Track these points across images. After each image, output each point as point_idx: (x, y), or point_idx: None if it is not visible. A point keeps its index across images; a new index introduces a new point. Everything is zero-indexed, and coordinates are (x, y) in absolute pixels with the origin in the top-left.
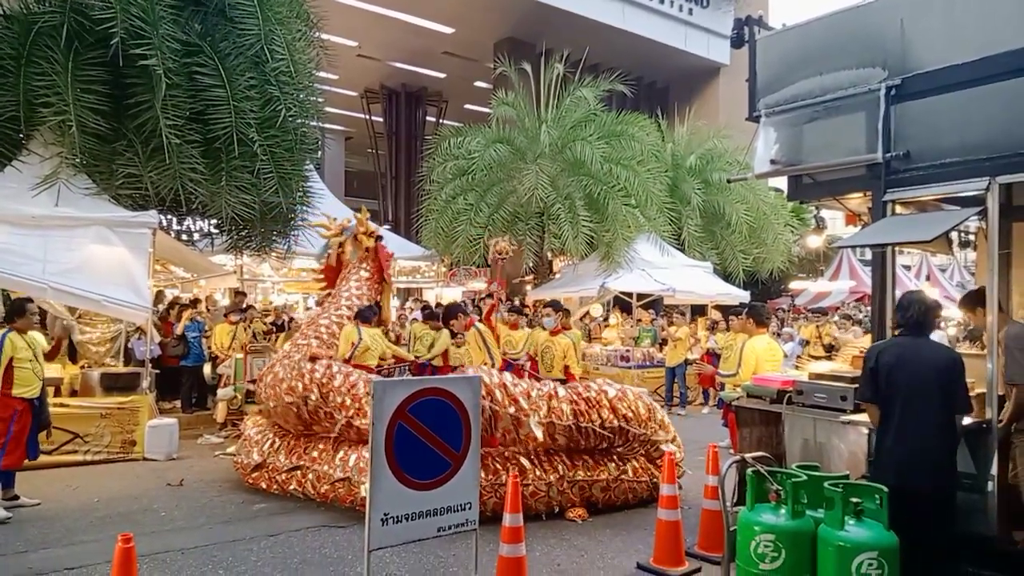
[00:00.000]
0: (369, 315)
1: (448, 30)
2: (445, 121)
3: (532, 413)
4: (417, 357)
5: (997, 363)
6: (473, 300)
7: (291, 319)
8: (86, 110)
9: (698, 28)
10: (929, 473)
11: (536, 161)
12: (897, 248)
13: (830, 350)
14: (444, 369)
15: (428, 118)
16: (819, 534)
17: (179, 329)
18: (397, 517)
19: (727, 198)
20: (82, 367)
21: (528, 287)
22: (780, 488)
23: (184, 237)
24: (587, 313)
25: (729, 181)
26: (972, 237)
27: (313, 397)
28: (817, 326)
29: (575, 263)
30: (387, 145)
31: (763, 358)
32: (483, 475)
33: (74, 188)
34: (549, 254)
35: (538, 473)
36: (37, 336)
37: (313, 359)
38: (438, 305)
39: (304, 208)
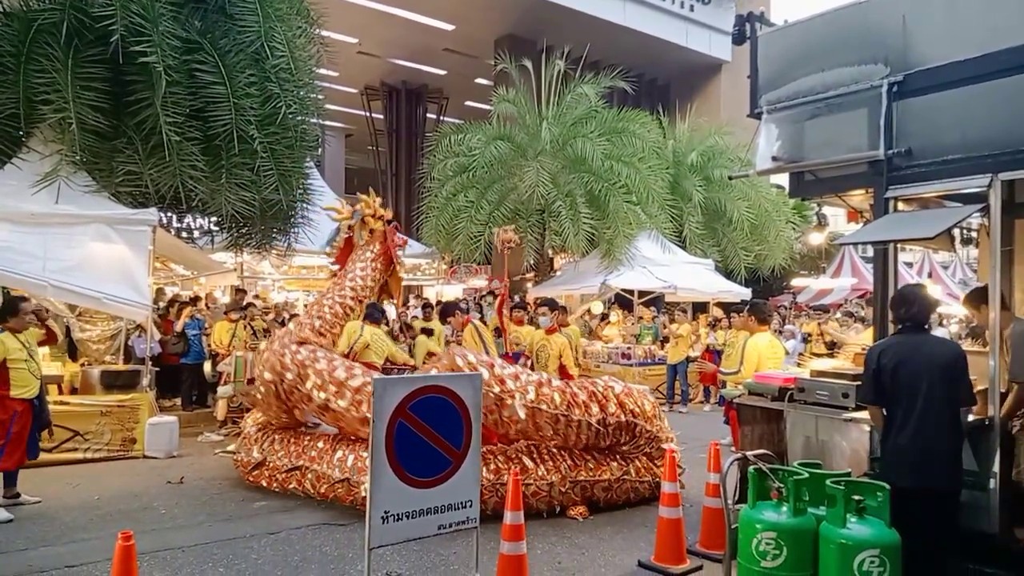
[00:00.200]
0: (377, 316)
1: (449, 27)
2: (446, 118)
3: (517, 394)
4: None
5: (1000, 360)
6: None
7: (292, 316)
8: (86, 107)
9: (699, 24)
10: (944, 471)
11: (537, 158)
12: (899, 245)
13: (832, 347)
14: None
15: (429, 115)
16: (821, 532)
17: (179, 326)
18: (398, 515)
19: (728, 195)
20: (82, 365)
21: (529, 284)
22: (782, 486)
23: (184, 234)
24: (588, 310)
25: (731, 178)
26: (974, 234)
27: (290, 376)
28: (818, 323)
29: (576, 260)
30: (387, 142)
31: (765, 355)
32: (485, 474)
33: (74, 185)
34: (550, 251)
35: (540, 472)
36: (29, 332)
37: (302, 343)
38: (438, 303)
39: (304, 205)
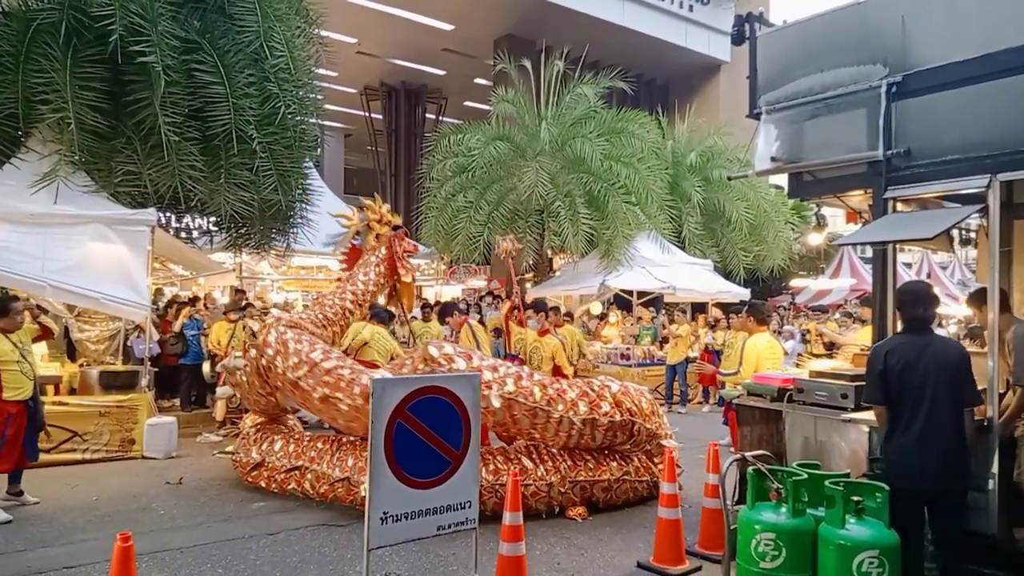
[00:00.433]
0: (384, 316)
1: (448, 27)
2: (445, 118)
3: (495, 385)
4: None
5: (999, 361)
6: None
7: None
8: (85, 107)
9: (698, 25)
10: (951, 472)
11: (536, 158)
12: (898, 246)
13: (831, 348)
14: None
15: (428, 115)
16: (820, 532)
17: (177, 326)
18: (397, 516)
19: (728, 195)
20: (81, 365)
21: (528, 285)
22: (781, 486)
23: (183, 235)
24: (587, 311)
25: (730, 178)
26: (973, 235)
27: (270, 352)
28: (815, 323)
29: (575, 261)
30: (387, 142)
31: (764, 356)
32: (484, 475)
33: (73, 186)
34: (549, 252)
35: (540, 473)
36: (24, 330)
37: (293, 327)
38: (437, 303)
39: (303, 206)
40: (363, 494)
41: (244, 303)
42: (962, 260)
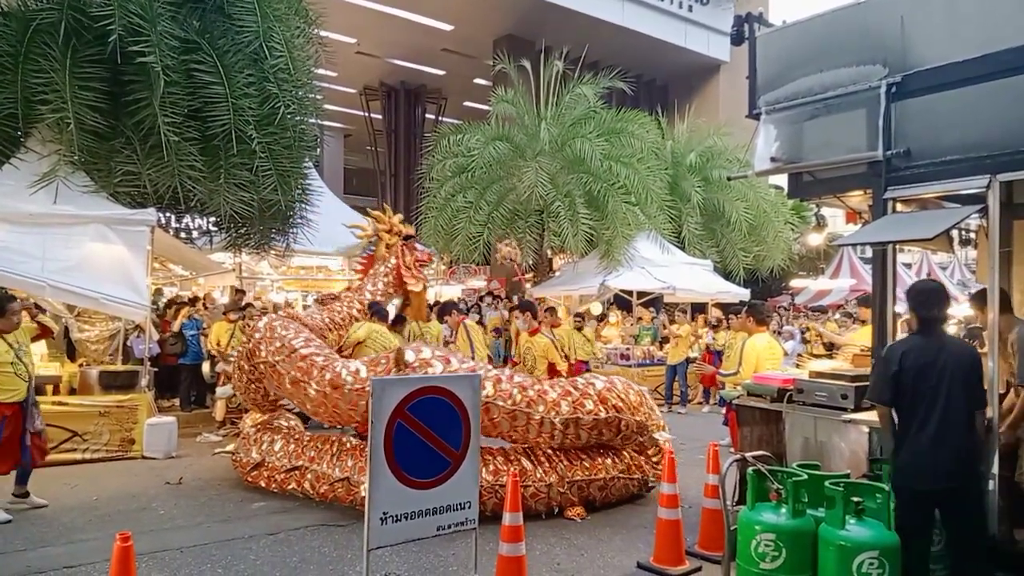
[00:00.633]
0: (383, 313)
1: (447, 27)
2: (444, 118)
3: (436, 363)
4: None
5: (1000, 362)
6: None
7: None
8: (84, 107)
9: (698, 25)
10: (968, 470)
11: (536, 158)
12: (898, 246)
13: (831, 348)
14: None
15: (427, 115)
16: (820, 533)
17: (176, 326)
18: (396, 516)
19: (727, 196)
20: (80, 365)
21: (528, 285)
22: (781, 487)
23: (183, 235)
24: (587, 311)
25: (729, 179)
26: (973, 235)
27: (256, 336)
28: (812, 324)
29: (575, 261)
30: (386, 142)
31: (763, 356)
32: (483, 475)
33: (72, 186)
34: (549, 252)
35: (539, 474)
36: (22, 331)
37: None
38: (436, 303)
39: (303, 206)
40: (363, 494)
41: (244, 303)
42: (962, 261)
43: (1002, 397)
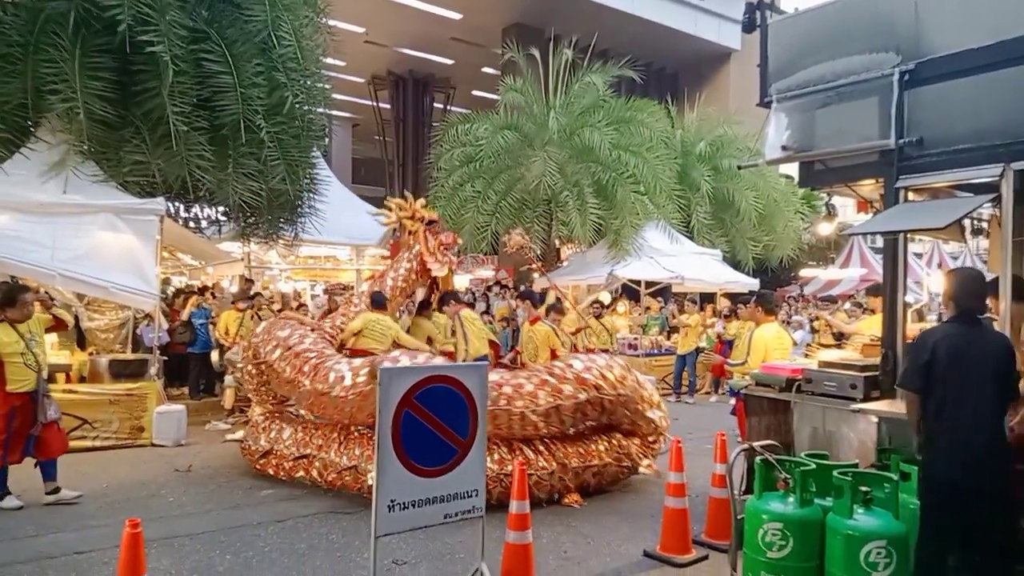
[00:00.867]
0: (380, 301)
1: (456, 16)
2: (453, 108)
3: None
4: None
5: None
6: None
7: (300, 305)
8: (93, 97)
9: (708, 13)
10: (1000, 466)
11: (544, 148)
12: (909, 235)
13: (840, 338)
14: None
15: (436, 105)
16: (827, 523)
17: (184, 315)
18: (404, 504)
19: (737, 185)
20: (90, 354)
21: (536, 275)
22: (788, 476)
23: (192, 224)
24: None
25: (739, 168)
26: (985, 224)
27: (256, 339)
28: (820, 314)
29: (583, 251)
30: (394, 132)
31: (772, 346)
32: (488, 464)
33: (82, 175)
34: (557, 241)
35: (541, 463)
36: (35, 321)
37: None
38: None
39: (311, 195)
40: (370, 482)
41: (252, 292)
42: (974, 250)
43: None
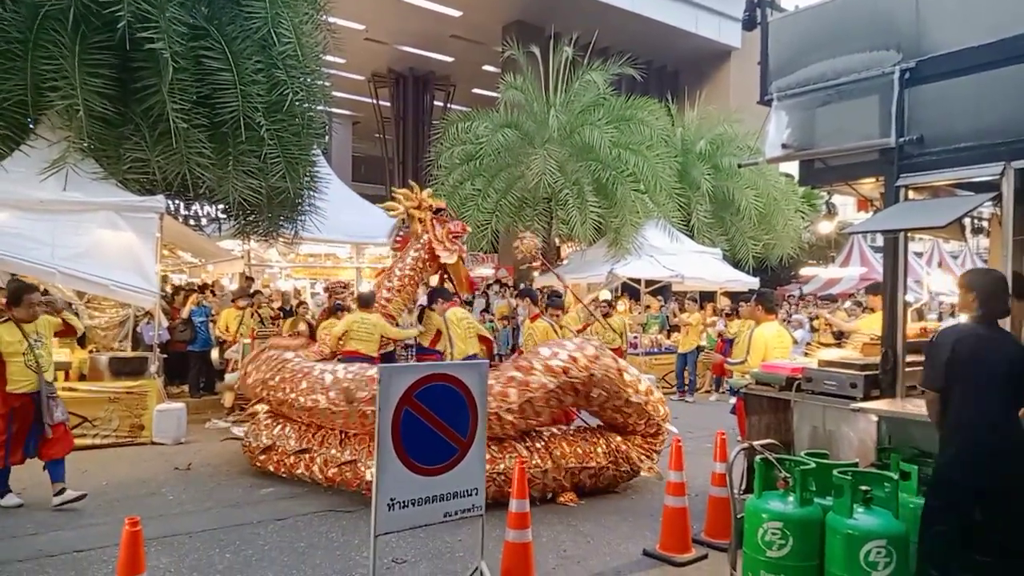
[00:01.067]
0: (368, 300)
1: (456, 13)
2: (453, 105)
3: None
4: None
5: None
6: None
7: (300, 303)
8: (93, 94)
9: (709, 10)
10: (1016, 469)
11: (544, 146)
12: (909, 234)
13: (840, 337)
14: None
15: (436, 102)
16: (827, 522)
17: (184, 313)
18: (403, 502)
19: (737, 183)
20: (90, 351)
21: (536, 273)
22: (788, 475)
23: (192, 222)
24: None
25: (740, 166)
26: (985, 223)
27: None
28: (826, 312)
29: (583, 249)
30: (394, 130)
31: (772, 345)
32: None
33: (82, 173)
34: (557, 240)
35: (535, 461)
36: (44, 322)
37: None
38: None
39: (311, 193)
40: (369, 477)
41: (252, 290)
42: (974, 249)
43: None
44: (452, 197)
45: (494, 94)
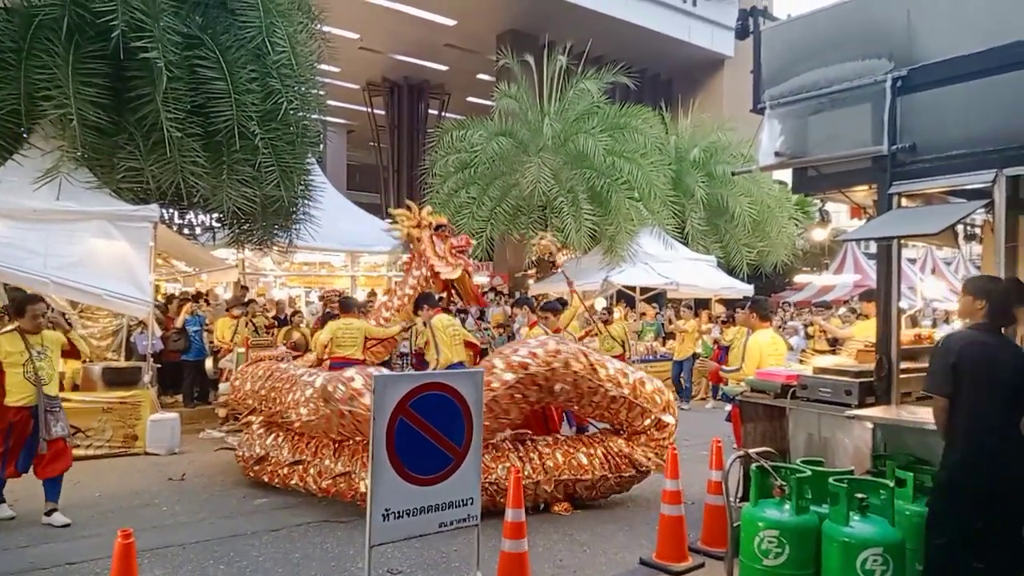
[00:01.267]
0: (350, 305)
1: (450, 22)
2: (447, 114)
3: (367, 392)
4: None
5: None
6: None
7: (295, 312)
8: (87, 103)
9: (702, 19)
10: (1017, 473)
11: (539, 154)
12: (903, 241)
13: (834, 344)
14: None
15: (430, 111)
16: (823, 530)
17: (179, 322)
18: (398, 512)
19: (731, 191)
20: (84, 362)
21: (531, 281)
22: (784, 483)
23: (186, 231)
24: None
25: (733, 174)
26: (978, 230)
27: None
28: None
29: (578, 257)
30: (389, 138)
31: (767, 352)
32: None
33: (75, 182)
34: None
35: (528, 471)
36: (50, 336)
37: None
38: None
39: (306, 202)
40: (363, 489)
41: (247, 299)
42: (967, 256)
43: None
44: (447, 205)
45: (489, 102)
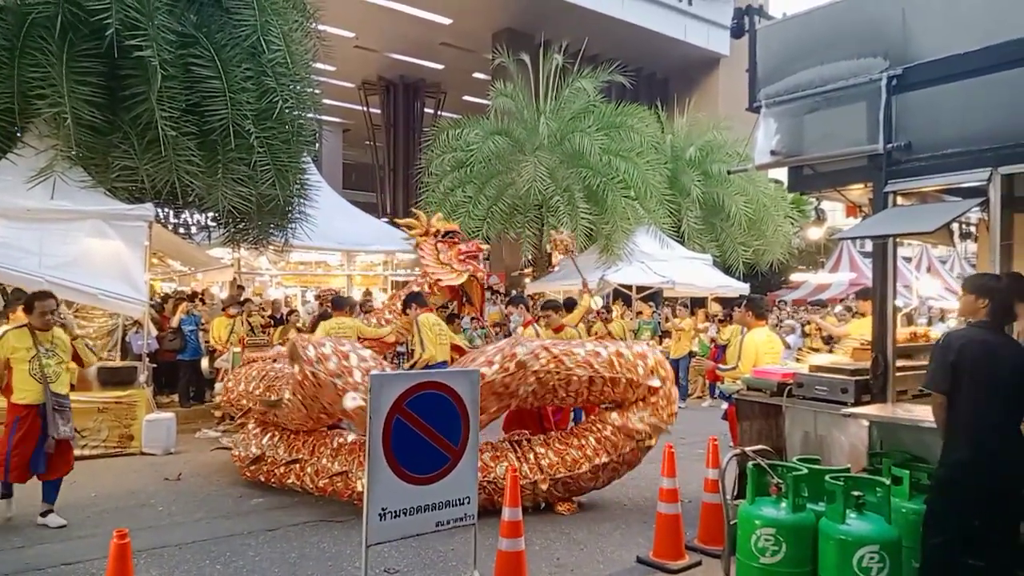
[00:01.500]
0: (342, 304)
1: (446, 21)
2: (443, 113)
3: (358, 389)
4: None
5: None
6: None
7: (291, 311)
8: (81, 102)
9: (698, 18)
10: (1017, 471)
11: (535, 153)
12: (898, 240)
13: (830, 342)
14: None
15: (426, 110)
16: (820, 527)
17: (174, 322)
18: (395, 512)
19: (727, 190)
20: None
21: (527, 280)
22: (781, 481)
23: (181, 230)
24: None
25: (729, 172)
26: (973, 228)
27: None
28: (816, 317)
29: (574, 255)
30: (385, 137)
31: (763, 350)
32: None
33: (70, 181)
34: (548, 247)
35: (524, 470)
36: (60, 334)
37: None
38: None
39: (301, 200)
40: (360, 488)
41: (243, 298)
42: (962, 254)
43: None
44: (443, 204)
45: (484, 101)
